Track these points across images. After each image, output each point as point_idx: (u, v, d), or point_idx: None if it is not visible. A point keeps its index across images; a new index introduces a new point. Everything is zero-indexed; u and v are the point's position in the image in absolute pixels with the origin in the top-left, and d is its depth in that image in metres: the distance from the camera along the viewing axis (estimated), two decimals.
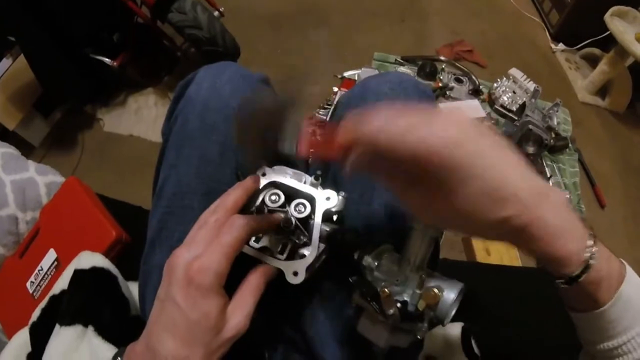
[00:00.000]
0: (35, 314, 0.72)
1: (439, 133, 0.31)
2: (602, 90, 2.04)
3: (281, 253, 0.46)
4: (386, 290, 0.38)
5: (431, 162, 0.30)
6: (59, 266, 0.88)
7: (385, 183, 0.37)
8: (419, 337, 0.40)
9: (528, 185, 0.32)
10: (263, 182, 0.47)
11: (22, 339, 0.72)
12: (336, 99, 1.70)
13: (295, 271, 0.43)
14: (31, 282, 0.90)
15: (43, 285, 0.89)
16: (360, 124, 0.33)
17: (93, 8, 1.46)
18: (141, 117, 1.73)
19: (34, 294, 0.89)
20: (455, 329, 0.76)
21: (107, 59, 1.56)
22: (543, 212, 0.32)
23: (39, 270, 0.90)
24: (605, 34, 1.90)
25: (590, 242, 0.34)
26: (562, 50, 2.24)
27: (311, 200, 0.46)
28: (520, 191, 0.31)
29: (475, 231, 0.35)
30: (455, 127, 0.31)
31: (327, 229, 0.46)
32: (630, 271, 0.37)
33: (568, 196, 1.58)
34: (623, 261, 0.38)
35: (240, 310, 0.39)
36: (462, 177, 0.30)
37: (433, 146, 0.30)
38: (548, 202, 0.33)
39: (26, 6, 1.30)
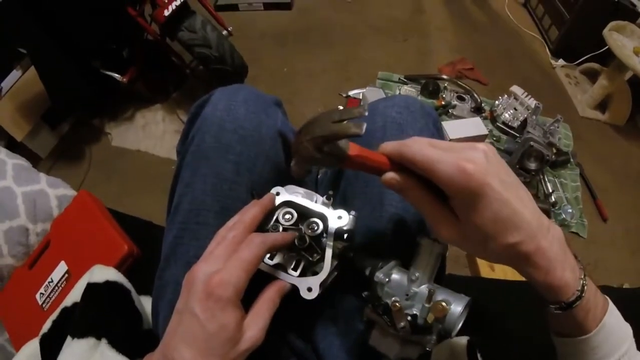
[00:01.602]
0: (46, 326, 0.72)
1: (473, 159, 0.36)
2: (602, 105, 2.06)
3: (295, 270, 0.47)
4: (397, 304, 0.40)
5: (463, 183, 0.35)
6: (69, 278, 0.89)
7: (418, 203, 0.40)
8: (428, 349, 0.41)
9: (536, 219, 0.37)
10: (277, 201, 0.49)
11: (31, 350, 0.73)
12: None
13: (309, 287, 0.45)
14: (41, 293, 0.91)
15: (53, 297, 0.89)
16: (405, 145, 0.39)
17: (103, 23, 1.49)
18: (149, 132, 1.75)
19: (44, 305, 0.90)
20: (461, 342, 0.77)
21: (116, 75, 1.59)
22: (546, 244, 0.37)
23: (49, 282, 0.91)
24: (604, 48, 1.92)
25: (582, 275, 0.39)
26: (562, 66, 2.27)
27: (323, 219, 0.48)
28: (529, 222, 0.36)
29: (488, 252, 0.38)
30: (484, 156, 0.36)
31: (339, 247, 0.47)
32: (612, 305, 0.42)
33: (570, 211, 1.59)
34: (607, 297, 0.42)
35: (256, 324, 0.41)
36: (489, 199, 0.35)
37: (467, 169, 0.35)
38: (550, 235, 0.38)
39: (37, 19, 1.33)
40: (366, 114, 0.40)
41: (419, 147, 0.38)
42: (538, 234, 0.37)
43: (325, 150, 0.39)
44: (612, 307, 0.42)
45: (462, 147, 0.38)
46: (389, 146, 0.40)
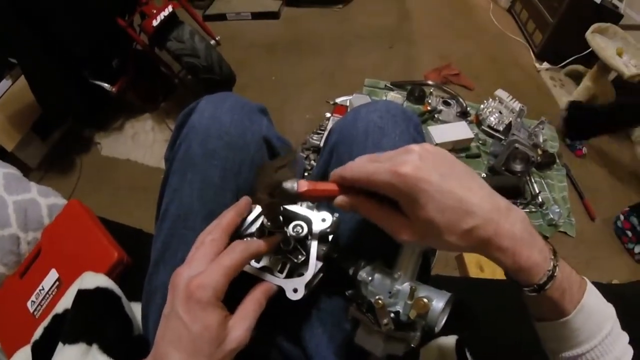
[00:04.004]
0: (38, 333, 0.72)
1: (406, 161, 0.38)
2: None
3: (280, 272, 0.49)
4: (380, 301, 0.42)
5: (400, 185, 0.38)
6: (60, 286, 0.89)
7: (369, 215, 0.43)
8: (412, 345, 0.42)
9: (490, 202, 0.38)
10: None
11: (23, 358, 0.73)
12: (329, 125, 1.74)
13: (295, 288, 0.46)
14: (32, 301, 0.91)
15: (44, 305, 0.89)
16: (345, 169, 0.42)
17: (93, 33, 1.49)
18: (138, 142, 1.75)
19: (35, 313, 0.90)
20: (450, 341, 0.78)
21: (106, 84, 1.59)
22: (507, 226, 0.38)
23: (40, 290, 0.91)
24: (588, 50, 1.96)
25: (552, 256, 0.39)
26: (547, 69, 2.31)
27: (308, 221, 0.49)
28: (481, 207, 0.37)
29: (450, 243, 0.39)
30: (417, 156, 0.39)
31: (324, 248, 0.49)
32: (590, 286, 0.42)
33: (558, 211, 1.61)
34: (585, 278, 0.43)
35: (242, 324, 0.42)
36: (429, 193, 0.37)
37: (400, 171, 0.37)
38: (510, 217, 0.38)
39: (28, 29, 1.33)
40: (297, 155, 0.42)
41: (356, 166, 0.42)
42: (496, 217, 0.38)
43: (277, 194, 0.43)
44: (590, 287, 0.42)
45: (396, 153, 0.40)
46: (335, 173, 0.44)
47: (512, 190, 1.52)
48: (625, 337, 0.43)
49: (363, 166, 0.41)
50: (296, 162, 0.43)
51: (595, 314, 0.41)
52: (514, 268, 0.39)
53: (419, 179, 0.37)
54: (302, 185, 0.43)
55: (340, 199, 0.43)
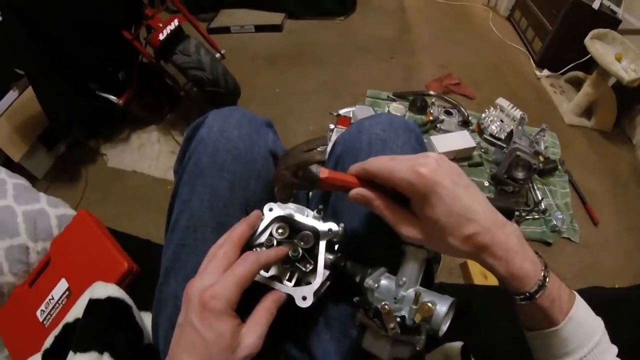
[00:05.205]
0: (48, 341, 0.74)
1: (425, 163, 0.42)
2: (588, 112, 2.10)
3: (289, 280, 0.51)
4: (386, 307, 0.43)
5: (418, 183, 0.41)
6: (70, 296, 0.91)
7: (380, 210, 0.46)
8: (417, 348, 0.44)
9: (489, 214, 0.42)
10: (271, 216, 0.52)
11: None
12: (332, 136, 1.76)
13: (304, 296, 0.48)
14: (41, 310, 0.92)
15: (54, 314, 0.91)
16: (367, 162, 0.46)
17: (100, 45, 1.52)
18: (144, 153, 1.77)
19: (45, 322, 0.91)
20: (455, 348, 0.79)
21: (112, 96, 1.61)
22: (502, 237, 0.41)
23: (49, 299, 0.92)
24: (587, 57, 1.97)
25: (542, 267, 0.42)
26: (547, 76, 2.33)
27: (315, 231, 0.51)
28: (482, 217, 0.41)
29: (450, 246, 0.42)
30: (435, 161, 0.43)
31: (331, 257, 0.51)
32: (579, 299, 0.44)
33: (561, 217, 1.61)
34: (574, 291, 0.45)
35: (254, 332, 0.44)
36: (441, 196, 0.41)
37: (420, 171, 0.41)
38: (506, 230, 0.42)
39: (36, 40, 1.36)
40: (328, 142, 0.45)
41: (380, 162, 0.45)
42: (493, 227, 0.41)
43: (300, 175, 0.46)
44: (579, 300, 0.44)
45: (415, 156, 0.44)
46: (356, 166, 0.47)
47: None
48: (614, 350, 0.45)
49: (385, 162, 0.44)
50: (325, 149, 0.46)
51: (584, 326, 0.43)
52: (507, 276, 0.41)
53: (435, 181, 0.41)
54: (324, 172, 0.47)
55: (355, 192, 0.46)
